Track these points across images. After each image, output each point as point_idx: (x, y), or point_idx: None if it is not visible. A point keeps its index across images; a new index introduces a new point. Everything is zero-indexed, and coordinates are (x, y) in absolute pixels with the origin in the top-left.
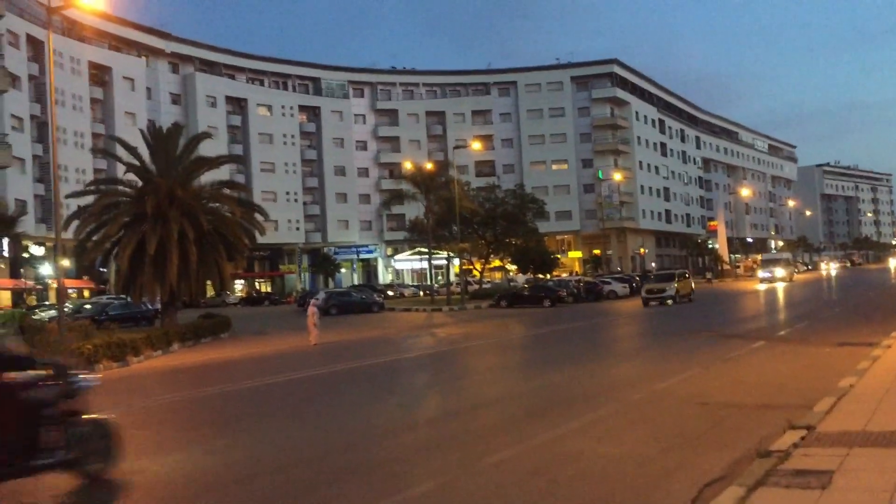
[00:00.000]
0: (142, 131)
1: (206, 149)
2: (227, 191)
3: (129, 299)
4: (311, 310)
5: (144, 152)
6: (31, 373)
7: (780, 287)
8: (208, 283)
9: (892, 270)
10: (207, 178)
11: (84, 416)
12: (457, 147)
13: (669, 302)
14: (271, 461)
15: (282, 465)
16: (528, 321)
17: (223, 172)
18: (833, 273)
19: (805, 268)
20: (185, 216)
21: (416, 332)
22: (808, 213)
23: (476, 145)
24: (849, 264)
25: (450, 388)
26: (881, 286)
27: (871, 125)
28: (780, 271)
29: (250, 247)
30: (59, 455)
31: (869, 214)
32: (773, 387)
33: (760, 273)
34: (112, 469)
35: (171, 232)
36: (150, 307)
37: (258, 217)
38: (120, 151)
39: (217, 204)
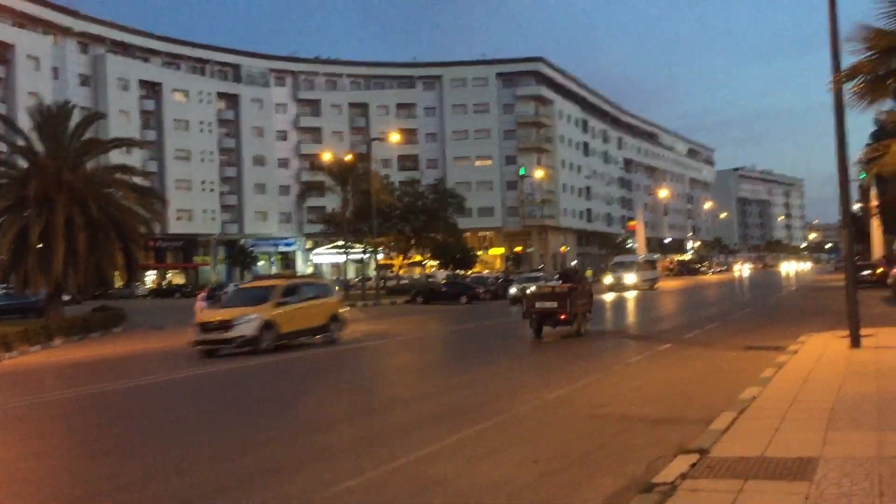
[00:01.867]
0: (28, 109)
1: (118, 134)
2: (121, 175)
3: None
4: (199, 304)
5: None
6: None
7: (630, 296)
8: (116, 273)
9: (785, 275)
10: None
11: None
12: (375, 139)
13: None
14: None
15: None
16: (441, 318)
17: (134, 158)
18: (745, 274)
19: (721, 269)
20: (75, 202)
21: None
22: (723, 215)
23: (395, 137)
24: (762, 266)
25: (326, 396)
26: (786, 288)
27: (786, 132)
28: (630, 277)
29: (150, 235)
30: None
31: (781, 218)
32: (673, 396)
33: (606, 279)
34: None
35: (57, 218)
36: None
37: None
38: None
39: (112, 190)
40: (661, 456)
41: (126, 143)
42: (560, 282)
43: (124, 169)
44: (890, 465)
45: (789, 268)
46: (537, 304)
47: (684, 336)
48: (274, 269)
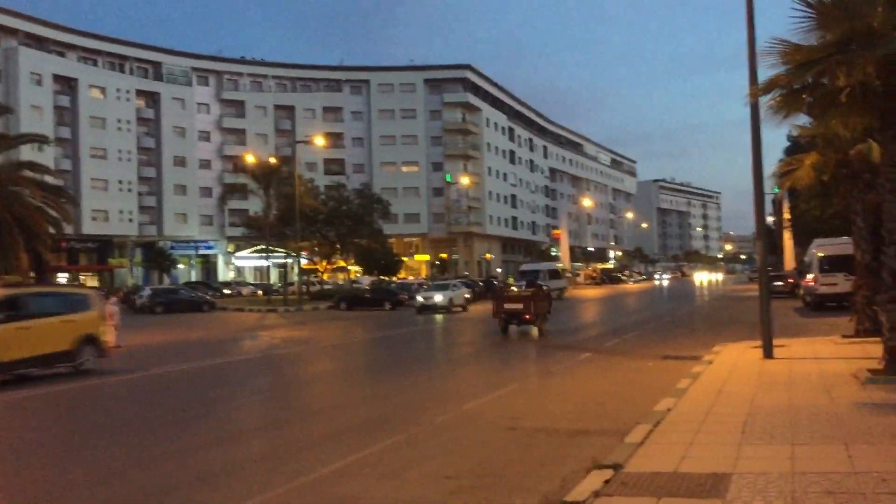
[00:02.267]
0: None
1: (30, 130)
2: (28, 173)
3: None
4: (109, 309)
5: None
6: None
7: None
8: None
9: (699, 284)
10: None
11: None
12: (300, 142)
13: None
14: None
15: None
16: (363, 325)
17: (47, 156)
18: (665, 283)
19: (641, 277)
20: None
21: (240, 334)
22: (644, 225)
23: (320, 141)
24: (680, 275)
25: (235, 406)
26: (701, 298)
27: (706, 146)
28: (439, 297)
29: (60, 236)
30: None
31: (699, 229)
32: (590, 406)
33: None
34: None
35: None
36: None
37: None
38: None
39: (17, 188)
40: (575, 471)
41: (35, 140)
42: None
43: (32, 166)
44: (802, 481)
45: (702, 278)
46: (506, 306)
47: (605, 344)
48: (194, 273)
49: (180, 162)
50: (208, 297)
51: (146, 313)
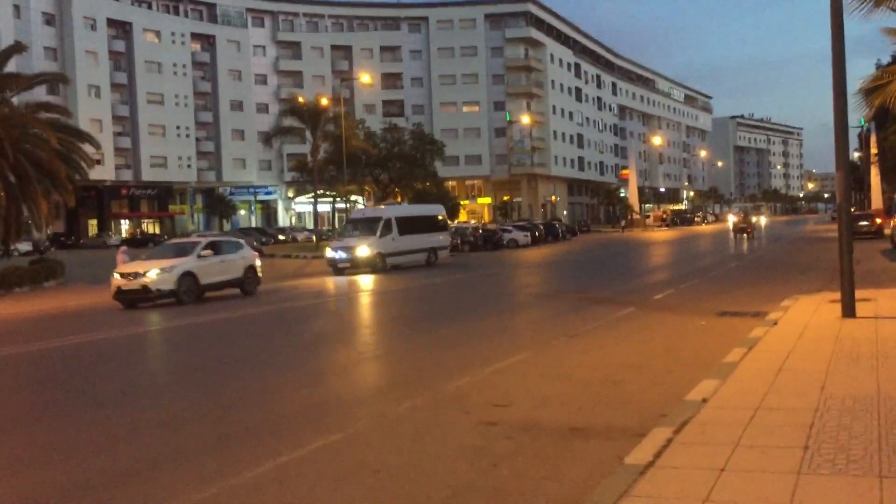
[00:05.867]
0: None
1: (85, 76)
2: (45, 114)
3: None
4: (120, 258)
5: None
6: None
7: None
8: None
9: (732, 231)
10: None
11: None
12: (345, 80)
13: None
14: None
15: None
16: (401, 273)
17: (104, 102)
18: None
19: (714, 219)
20: None
21: (273, 282)
22: (720, 164)
23: (366, 79)
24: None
25: (159, 384)
26: (773, 240)
27: (785, 80)
28: (362, 248)
29: (83, 181)
30: None
31: (779, 167)
32: (604, 388)
33: (329, 252)
34: None
35: None
36: None
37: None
38: None
39: (35, 130)
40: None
41: (51, 79)
42: None
43: (49, 107)
44: None
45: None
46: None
47: (653, 297)
48: (254, 220)
49: (237, 106)
50: (254, 244)
51: None
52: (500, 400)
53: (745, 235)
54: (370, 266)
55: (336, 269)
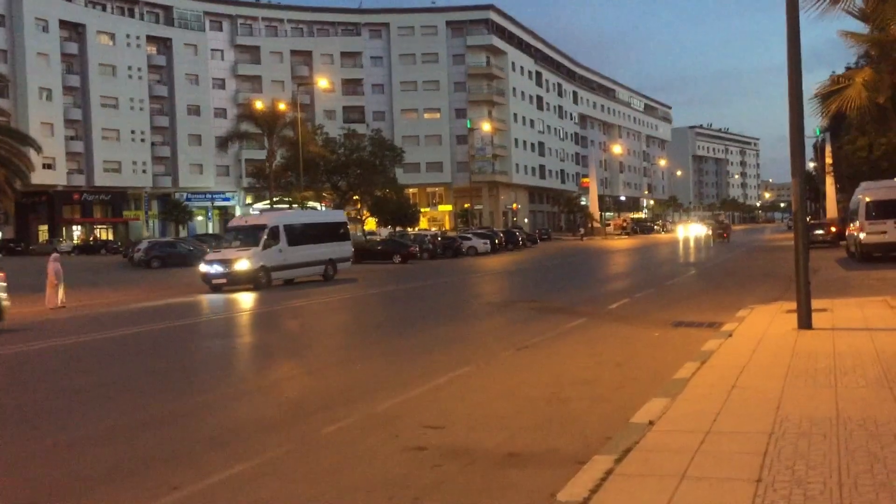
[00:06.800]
0: None
1: (36, 78)
2: None
3: None
4: (51, 265)
5: None
6: None
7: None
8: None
9: (681, 241)
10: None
11: None
12: (301, 85)
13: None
14: None
15: None
16: (359, 283)
17: (56, 106)
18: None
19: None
20: None
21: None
22: (679, 173)
23: (324, 83)
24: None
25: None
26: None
27: (743, 92)
28: (243, 261)
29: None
30: None
31: (737, 177)
32: (548, 408)
33: (203, 265)
34: None
35: None
36: None
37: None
38: None
39: None
40: None
41: None
42: None
43: None
44: None
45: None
46: None
47: (608, 306)
48: (211, 226)
49: (195, 111)
50: (207, 250)
51: (143, 267)
52: (435, 421)
53: (722, 238)
54: (251, 282)
55: (211, 285)
